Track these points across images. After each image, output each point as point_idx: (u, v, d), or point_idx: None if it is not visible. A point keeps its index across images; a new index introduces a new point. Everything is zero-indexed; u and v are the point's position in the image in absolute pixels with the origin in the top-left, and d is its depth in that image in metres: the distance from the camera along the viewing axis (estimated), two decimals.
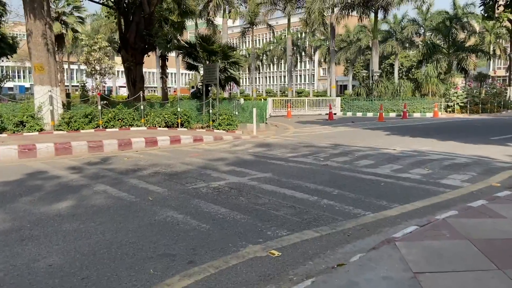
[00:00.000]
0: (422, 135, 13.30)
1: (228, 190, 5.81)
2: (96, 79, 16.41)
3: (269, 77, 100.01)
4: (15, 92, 49.49)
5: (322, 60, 77.68)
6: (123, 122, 12.63)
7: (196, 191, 5.78)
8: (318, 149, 10.04)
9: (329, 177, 6.80)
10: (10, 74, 69.05)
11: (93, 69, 16.10)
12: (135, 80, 19.16)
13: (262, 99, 25.52)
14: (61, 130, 11.34)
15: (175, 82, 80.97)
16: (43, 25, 10.64)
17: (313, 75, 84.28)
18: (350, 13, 31.25)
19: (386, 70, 68.41)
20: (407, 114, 23.98)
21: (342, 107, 28.40)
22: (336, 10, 34.10)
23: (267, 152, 9.61)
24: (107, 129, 12.14)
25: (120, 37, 19.11)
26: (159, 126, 13.28)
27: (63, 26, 32.11)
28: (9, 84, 59.15)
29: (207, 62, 18.00)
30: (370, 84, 29.47)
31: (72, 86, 63.99)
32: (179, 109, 13.65)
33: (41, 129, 11.07)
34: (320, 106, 28.84)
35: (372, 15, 34.59)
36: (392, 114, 26.28)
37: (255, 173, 7.02)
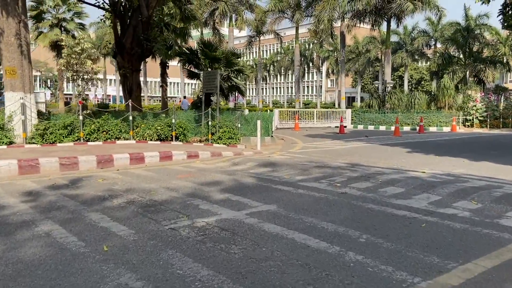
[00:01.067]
0: (448, 153, 11.69)
1: (218, 233, 4.27)
2: (79, 85, 14.97)
3: (276, 88, 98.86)
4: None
5: (330, 71, 76.35)
6: (109, 134, 11.17)
7: (173, 234, 4.24)
8: (333, 170, 8.47)
9: (351, 212, 5.24)
10: None
11: (74, 73, 14.68)
12: (131, 88, 17.81)
13: (268, 110, 24.06)
14: (34, 143, 9.90)
15: (179, 91, 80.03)
16: (16, 23, 9.28)
17: (321, 86, 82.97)
18: (362, 21, 29.87)
19: (395, 82, 66.79)
20: (423, 128, 22.34)
21: (352, 119, 26.86)
22: (346, 18, 32.79)
23: (271, 173, 8.07)
24: (89, 143, 10.68)
25: (115, 42, 17.81)
26: (151, 140, 11.80)
27: (64, 32, 31.11)
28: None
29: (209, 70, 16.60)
30: (383, 96, 27.91)
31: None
32: (173, 121, 12.18)
33: (11, 142, 9.63)
34: (329, 118, 27.31)
35: (384, 24, 33.28)
36: (406, 128, 24.66)
37: (256, 205, 5.48)
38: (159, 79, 37.12)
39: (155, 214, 4.96)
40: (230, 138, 12.95)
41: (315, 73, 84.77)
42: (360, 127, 26.22)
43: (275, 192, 6.29)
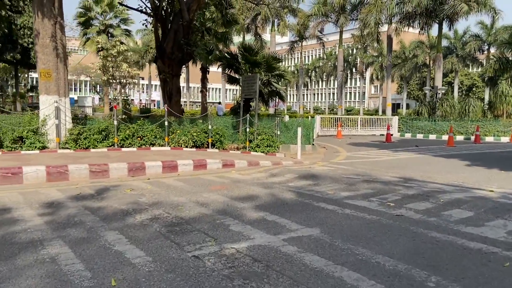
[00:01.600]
0: None
1: (249, 266, 3.54)
2: (115, 89, 14.79)
3: (318, 94, 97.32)
4: None
5: (374, 77, 73.93)
6: (143, 140, 10.79)
7: (196, 264, 3.55)
8: (383, 185, 7.50)
9: (412, 242, 4.32)
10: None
11: (110, 77, 14.51)
12: (171, 93, 17.56)
13: (309, 117, 23.14)
14: (67, 148, 9.66)
15: (220, 97, 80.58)
16: (52, 24, 9.11)
17: (364, 92, 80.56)
18: (411, 25, 28.27)
19: (446, 88, 63.40)
20: (479, 138, 20.51)
21: (399, 127, 25.32)
22: (393, 22, 31.25)
23: (313, 188, 7.23)
24: (123, 149, 10.33)
25: (156, 47, 17.67)
26: (186, 146, 11.30)
27: (110, 39, 31.88)
28: None
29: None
30: (433, 103, 26.13)
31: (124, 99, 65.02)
32: (210, 127, 11.62)
33: (43, 147, 9.43)
34: (373, 125, 25.93)
35: (433, 28, 31.40)
36: (460, 137, 22.83)
37: (295, 228, 4.69)
38: (199, 85, 37.19)
39: (179, 236, 4.30)
40: (268, 146, 12.23)
41: (358, 79, 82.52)
42: (408, 135, 24.64)
43: (317, 212, 5.47)
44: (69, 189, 6.69)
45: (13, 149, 9.09)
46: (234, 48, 20.90)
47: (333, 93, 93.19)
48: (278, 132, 12.89)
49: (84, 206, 5.55)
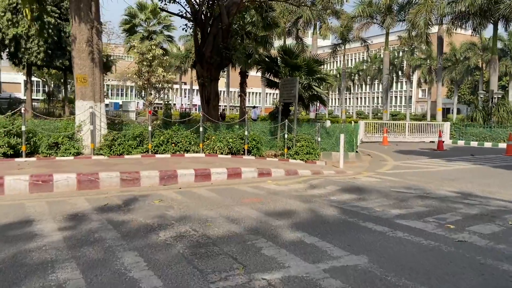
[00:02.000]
0: None
1: None
2: (151, 94, 14.62)
3: (360, 98, 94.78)
4: (109, 108, 52.18)
5: (422, 81, 70.75)
6: (178, 146, 10.46)
7: None
8: (440, 202, 6.62)
9: (480, 277, 3.54)
10: (113, 92, 74.65)
11: (146, 82, 14.36)
12: (209, 97, 17.31)
13: (352, 122, 22.13)
14: (101, 154, 9.50)
15: (259, 101, 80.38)
16: (88, 29, 9.01)
17: (410, 96, 77.37)
18: (463, 25, 26.49)
19: (504, 92, 59.45)
20: None
21: (451, 134, 23.67)
22: (445, 22, 29.49)
23: (358, 203, 6.50)
24: (157, 155, 10.05)
25: (195, 51, 17.50)
26: (221, 153, 10.86)
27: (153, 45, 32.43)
28: (107, 101, 63.36)
29: None
30: (489, 108, 24.22)
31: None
32: (246, 133, 11.13)
33: (78, 153, 9.32)
34: (422, 132, 24.42)
35: (484, 29, 29.24)
36: None
37: (339, 254, 4.03)
38: (238, 89, 36.98)
39: (204, 261, 3.78)
40: (308, 154, 11.55)
41: (404, 83, 79.42)
42: (461, 143, 22.94)
43: (364, 234, 4.77)
44: (97, 199, 6.40)
45: (48, 155, 9.05)
46: (274, 52, 20.43)
47: (377, 97, 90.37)
48: (319, 139, 12.17)
49: (108, 219, 5.18)
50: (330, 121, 17.39)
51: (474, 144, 22.40)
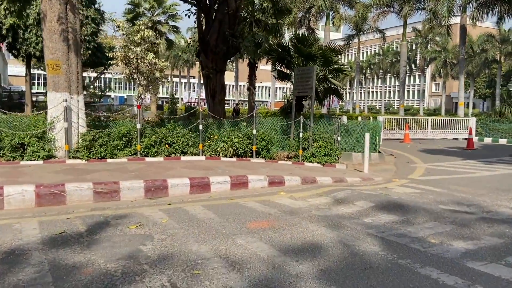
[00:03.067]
0: None
1: None
2: (140, 85, 12.76)
3: (372, 92, 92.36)
4: (114, 102, 50.85)
5: (436, 74, 68.18)
6: (173, 148, 8.84)
7: None
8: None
9: None
10: (116, 85, 73.33)
11: (134, 70, 12.49)
12: (214, 90, 15.65)
13: (371, 118, 20.41)
14: (78, 158, 7.93)
15: (269, 95, 78.52)
16: (61, 4, 7.41)
17: (424, 90, 74.89)
18: (491, 12, 24.42)
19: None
20: None
21: (477, 130, 21.75)
22: (469, 10, 27.39)
23: (403, 229, 4.83)
24: (148, 158, 8.43)
25: (199, 39, 15.81)
26: (225, 155, 9.21)
27: (158, 36, 30.82)
28: (112, 94, 62.12)
29: None
30: None
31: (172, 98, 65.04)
32: (255, 131, 9.47)
33: (49, 156, 7.73)
34: (445, 128, 22.51)
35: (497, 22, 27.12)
36: None
37: None
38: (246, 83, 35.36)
39: None
40: (326, 155, 9.88)
41: (417, 76, 76.91)
42: (488, 140, 21.04)
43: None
44: (55, 222, 4.83)
45: (12, 159, 7.49)
46: (285, 41, 18.72)
47: (390, 91, 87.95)
48: (339, 138, 10.49)
49: (53, 262, 3.60)
50: (346, 117, 15.63)
51: (503, 141, 20.51)
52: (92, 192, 5.82)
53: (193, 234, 4.45)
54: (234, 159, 9.13)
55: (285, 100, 17.61)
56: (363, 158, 9.75)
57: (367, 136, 9.60)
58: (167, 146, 8.70)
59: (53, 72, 7.54)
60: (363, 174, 9.03)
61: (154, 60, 12.26)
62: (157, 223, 4.85)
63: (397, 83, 75.84)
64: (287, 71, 15.80)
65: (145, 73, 11.95)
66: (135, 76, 12.42)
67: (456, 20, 32.14)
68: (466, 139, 18.46)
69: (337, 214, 5.44)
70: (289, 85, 17.37)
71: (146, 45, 12.31)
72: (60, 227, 4.62)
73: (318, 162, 9.73)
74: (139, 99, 13.06)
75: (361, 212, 5.57)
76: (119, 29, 14.35)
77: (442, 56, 60.79)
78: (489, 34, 55.61)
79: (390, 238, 4.47)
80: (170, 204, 5.85)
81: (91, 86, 42.52)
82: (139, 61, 12.00)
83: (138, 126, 8.46)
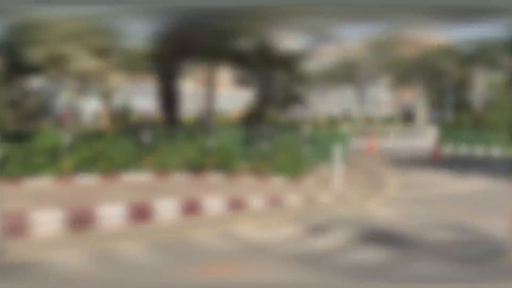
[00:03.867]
0: None
1: None
2: (70, 89, 10.88)
3: (331, 100, 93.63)
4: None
5: (391, 84, 70.00)
6: (112, 164, 7.33)
7: None
8: None
9: None
10: None
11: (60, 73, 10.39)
12: (168, 97, 14.34)
13: (337, 127, 19.73)
14: None
15: (230, 103, 77.35)
16: None
17: (379, 100, 76.67)
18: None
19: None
20: None
21: (440, 138, 21.64)
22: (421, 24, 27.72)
23: (402, 268, 3.72)
24: (79, 178, 6.88)
25: (150, 38, 14.41)
26: (177, 171, 7.81)
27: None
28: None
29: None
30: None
31: None
32: (212, 143, 8.18)
33: None
34: (406, 136, 22.30)
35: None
36: None
37: None
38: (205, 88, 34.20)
39: None
40: (292, 168, 8.78)
41: (372, 86, 78.80)
42: (451, 148, 20.94)
43: None
44: None
45: None
46: (247, 46, 17.65)
47: (346, 101, 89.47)
48: (306, 150, 9.43)
49: None
50: (311, 127, 14.73)
51: (464, 149, 20.48)
52: None
53: None
54: (188, 175, 7.75)
55: (247, 109, 16.48)
56: (332, 170, 8.73)
57: (337, 149, 8.60)
58: (104, 162, 7.18)
59: None
60: (334, 190, 7.98)
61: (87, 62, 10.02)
62: (73, 274, 3.42)
63: (353, 92, 77.28)
64: (249, 77, 14.76)
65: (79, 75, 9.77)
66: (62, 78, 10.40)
67: (411, 31, 32.56)
68: (429, 147, 18.18)
69: (315, 251, 4.26)
70: (251, 93, 16.34)
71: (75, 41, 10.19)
72: None
73: (284, 176, 8.58)
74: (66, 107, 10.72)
75: (344, 247, 4.43)
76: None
77: (396, 67, 62.52)
78: (440, 45, 57.91)
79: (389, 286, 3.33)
80: (95, 244, 4.40)
81: None
82: (65, 60, 9.78)
83: (66, 139, 6.88)
